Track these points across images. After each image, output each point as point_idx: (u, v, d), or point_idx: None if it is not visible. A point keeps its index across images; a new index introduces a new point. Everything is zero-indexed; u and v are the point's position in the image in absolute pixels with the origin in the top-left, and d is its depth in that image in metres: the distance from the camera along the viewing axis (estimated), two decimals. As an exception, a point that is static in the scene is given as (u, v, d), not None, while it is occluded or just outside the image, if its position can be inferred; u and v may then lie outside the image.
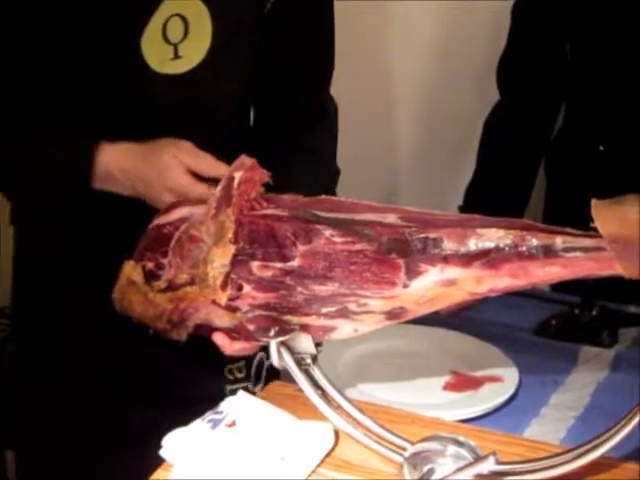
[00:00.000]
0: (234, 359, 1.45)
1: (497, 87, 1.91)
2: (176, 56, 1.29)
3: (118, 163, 1.25)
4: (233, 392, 1.42)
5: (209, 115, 1.36)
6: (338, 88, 1.50)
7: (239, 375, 1.46)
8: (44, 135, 1.29)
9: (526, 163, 1.90)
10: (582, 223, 0.98)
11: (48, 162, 1.28)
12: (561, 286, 1.31)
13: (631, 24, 1.70)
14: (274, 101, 1.45)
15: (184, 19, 1.28)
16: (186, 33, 1.29)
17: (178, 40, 1.28)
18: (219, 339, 1.16)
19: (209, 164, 1.22)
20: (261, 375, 1.48)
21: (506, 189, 1.88)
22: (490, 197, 1.86)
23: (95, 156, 1.24)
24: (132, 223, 1.21)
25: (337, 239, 1.05)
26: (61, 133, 1.28)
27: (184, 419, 1.10)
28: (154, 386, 1.41)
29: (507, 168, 1.89)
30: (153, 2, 1.26)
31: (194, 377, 1.41)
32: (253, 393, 1.38)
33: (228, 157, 1.25)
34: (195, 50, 1.30)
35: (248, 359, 1.45)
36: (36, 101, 1.30)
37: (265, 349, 1.43)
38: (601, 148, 1.79)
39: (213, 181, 1.21)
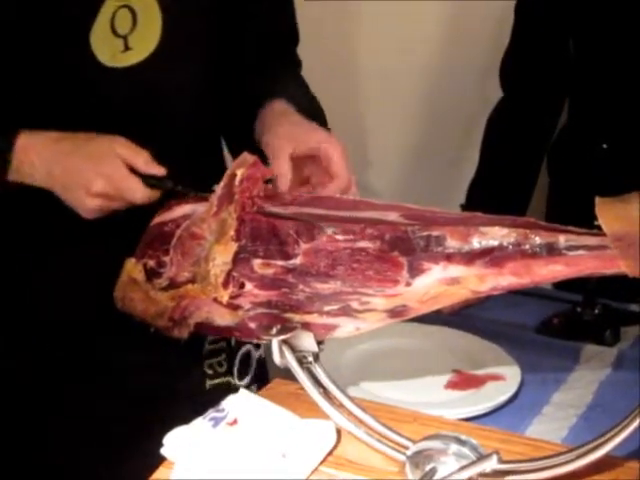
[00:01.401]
0: (215, 353, 1.44)
1: (500, 84, 1.90)
2: (126, 48, 1.26)
3: (37, 147, 1.21)
4: (214, 387, 1.42)
5: (166, 105, 1.32)
6: (341, 85, 1.50)
7: (220, 370, 1.44)
8: None
9: (528, 161, 1.90)
10: (585, 221, 0.98)
11: None
12: (564, 284, 1.31)
13: (635, 21, 1.70)
14: (244, 36, 1.42)
15: (131, 10, 1.25)
16: (134, 24, 1.26)
17: (127, 32, 1.25)
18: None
19: (145, 160, 1.20)
20: (248, 369, 1.47)
21: (508, 187, 1.87)
22: (492, 195, 1.85)
23: (13, 144, 1.20)
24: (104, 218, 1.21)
25: (339, 237, 1.04)
26: None
27: (166, 417, 1.09)
28: (133, 385, 1.37)
29: (509, 166, 1.88)
30: None
31: (173, 374, 1.38)
32: (237, 388, 1.38)
33: (191, 147, 1.24)
34: (145, 41, 1.27)
35: (230, 352, 1.44)
36: None
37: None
38: (604, 146, 1.79)
39: (147, 178, 1.20)
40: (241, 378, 1.47)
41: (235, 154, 1.43)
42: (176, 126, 1.32)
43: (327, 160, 1.22)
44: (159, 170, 1.21)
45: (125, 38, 1.25)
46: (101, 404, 1.37)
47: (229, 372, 1.45)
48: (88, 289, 1.30)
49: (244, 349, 1.47)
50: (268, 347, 1.46)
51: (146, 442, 1.10)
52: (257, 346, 1.50)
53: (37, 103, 1.26)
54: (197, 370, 1.42)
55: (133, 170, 1.20)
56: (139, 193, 1.19)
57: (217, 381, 1.44)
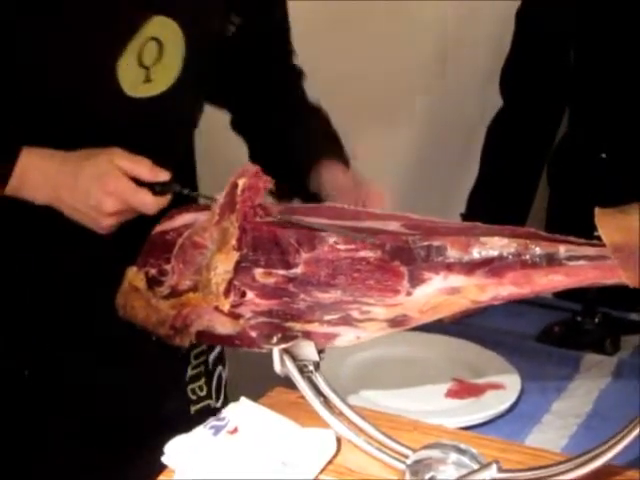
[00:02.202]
0: (195, 378, 1.45)
1: (500, 94, 1.91)
2: (147, 80, 1.27)
3: (40, 167, 1.21)
4: (198, 412, 1.43)
5: (175, 135, 1.35)
6: (340, 93, 1.51)
7: (201, 394, 1.46)
8: None
9: (528, 170, 1.90)
10: (585, 231, 0.98)
11: None
12: (564, 293, 1.31)
13: (635, 33, 1.70)
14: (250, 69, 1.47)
15: (159, 42, 1.26)
16: (160, 56, 1.27)
17: (151, 63, 1.27)
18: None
19: (148, 168, 1.21)
20: (220, 390, 1.49)
21: (508, 196, 1.88)
22: (492, 204, 1.86)
23: (14, 161, 1.20)
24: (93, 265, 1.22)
25: (340, 246, 1.05)
26: None
27: (150, 442, 1.09)
28: (117, 409, 1.37)
29: (509, 175, 1.89)
30: (133, 26, 1.24)
31: (157, 399, 1.39)
32: (216, 410, 1.39)
33: (179, 163, 1.25)
34: (166, 74, 1.29)
35: (207, 376, 1.45)
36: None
37: (222, 362, 1.45)
38: (604, 156, 1.79)
39: (153, 185, 1.21)
40: (217, 399, 1.48)
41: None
42: (171, 154, 1.33)
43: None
44: (164, 176, 1.22)
45: (148, 69, 1.27)
46: (101, 408, 1.37)
47: (209, 395, 1.46)
48: (89, 291, 1.31)
49: (217, 371, 1.48)
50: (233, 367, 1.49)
51: (133, 466, 1.10)
52: (223, 366, 1.51)
53: (51, 123, 1.26)
54: (181, 396, 1.44)
55: (138, 180, 1.20)
56: (150, 204, 1.20)
57: (199, 406, 1.45)
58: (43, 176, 1.21)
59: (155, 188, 1.21)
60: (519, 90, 1.88)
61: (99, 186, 1.18)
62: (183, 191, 1.22)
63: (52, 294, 1.33)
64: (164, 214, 1.22)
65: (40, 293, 1.33)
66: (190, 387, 1.45)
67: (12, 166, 1.20)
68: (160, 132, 1.31)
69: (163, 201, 1.21)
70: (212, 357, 1.48)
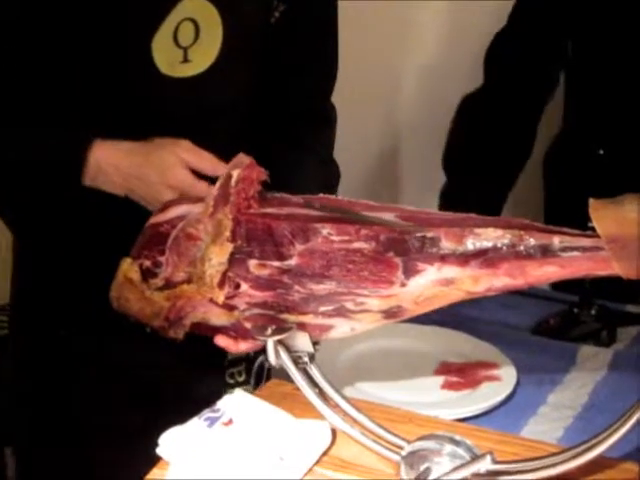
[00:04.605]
0: (235, 362, 1.45)
1: (484, 70, 1.88)
2: (185, 60, 1.30)
3: (111, 160, 1.25)
4: None
5: (215, 119, 1.36)
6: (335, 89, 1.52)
7: (239, 379, 1.46)
8: (38, 126, 1.29)
9: (507, 152, 1.88)
10: (583, 227, 0.98)
11: (38, 155, 1.27)
12: (560, 285, 1.32)
13: (633, 26, 1.70)
14: (280, 105, 1.46)
15: (195, 23, 1.29)
16: (197, 37, 1.30)
17: (188, 44, 1.29)
18: (221, 341, 1.16)
19: (212, 163, 1.23)
20: (262, 378, 1.49)
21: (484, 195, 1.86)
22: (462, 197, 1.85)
23: (87, 152, 1.24)
24: (129, 221, 1.21)
25: (334, 238, 1.05)
26: (56, 127, 1.28)
27: (179, 422, 1.10)
28: (155, 387, 1.40)
29: (480, 155, 1.87)
30: (166, 5, 1.27)
31: (195, 379, 1.41)
32: None
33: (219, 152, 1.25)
34: (205, 55, 1.31)
35: (248, 362, 1.45)
36: (39, 97, 1.30)
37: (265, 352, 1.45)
38: (601, 152, 1.78)
39: (212, 178, 1.21)
40: (256, 387, 1.48)
41: None
42: (219, 138, 1.34)
43: None
44: (225, 170, 1.23)
45: (185, 50, 1.29)
46: (124, 404, 1.40)
47: (247, 382, 1.46)
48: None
49: (259, 359, 1.49)
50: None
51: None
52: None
53: (92, 103, 1.29)
54: (219, 378, 1.45)
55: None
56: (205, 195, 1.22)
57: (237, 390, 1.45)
58: (115, 168, 1.25)
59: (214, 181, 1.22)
60: (510, 75, 1.86)
61: (161, 179, 1.22)
62: None
63: (92, 266, 1.36)
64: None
65: (80, 263, 1.37)
66: (229, 371, 1.46)
67: (84, 154, 1.24)
68: (200, 114, 1.34)
69: None
70: None
